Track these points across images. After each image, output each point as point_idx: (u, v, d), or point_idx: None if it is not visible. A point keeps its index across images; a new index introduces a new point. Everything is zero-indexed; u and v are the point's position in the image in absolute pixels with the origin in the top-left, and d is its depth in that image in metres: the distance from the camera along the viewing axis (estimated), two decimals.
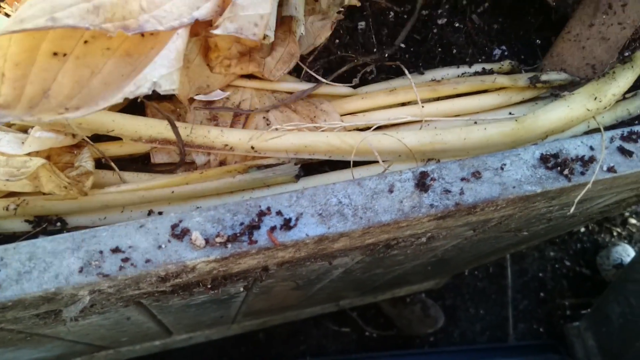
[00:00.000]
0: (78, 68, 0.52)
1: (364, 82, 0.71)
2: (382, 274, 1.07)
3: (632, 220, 2.19)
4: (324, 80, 0.67)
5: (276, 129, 0.62)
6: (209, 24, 0.56)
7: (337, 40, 0.72)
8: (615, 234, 2.16)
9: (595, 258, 2.08)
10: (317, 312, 1.64)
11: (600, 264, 2.04)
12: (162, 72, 0.53)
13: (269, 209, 0.54)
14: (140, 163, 0.64)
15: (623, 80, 0.64)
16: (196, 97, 0.63)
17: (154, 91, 0.54)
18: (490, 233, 0.78)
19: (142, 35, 0.57)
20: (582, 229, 2.13)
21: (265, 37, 0.64)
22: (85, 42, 0.53)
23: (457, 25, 0.74)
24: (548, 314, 1.93)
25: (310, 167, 0.66)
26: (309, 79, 0.70)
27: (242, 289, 0.74)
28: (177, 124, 0.60)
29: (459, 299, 1.90)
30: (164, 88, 0.54)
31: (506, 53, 0.75)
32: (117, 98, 0.48)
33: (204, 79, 0.64)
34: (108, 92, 0.52)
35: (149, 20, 0.53)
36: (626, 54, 0.67)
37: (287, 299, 1.12)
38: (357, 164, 0.65)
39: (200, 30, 0.60)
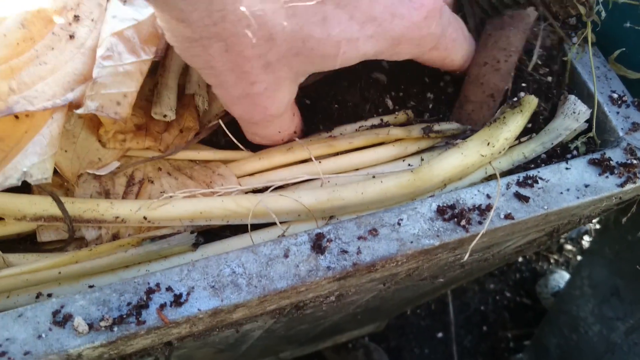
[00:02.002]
0: None
1: None
2: (309, 328, 1.05)
3: (568, 247, 2.23)
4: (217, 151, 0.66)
5: (169, 196, 0.60)
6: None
7: None
8: (552, 261, 2.20)
9: (535, 287, 2.10)
10: None
11: (539, 293, 2.07)
12: (33, 160, 0.51)
13: (158, 285, 0.52)
14: (28, 242, 0.61)
15: (513, 124, 0.65)
16: (88, 172, 0.61)
17: None
18: (405, 283, 0.78)
19: (17, 117, 0.55)
20: (520, 259, 2.15)
21: (164, 115, 0.63)
22: None
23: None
24: (492, 347, 1.93)
25: (212, 232, 0.64)
26: (212, 145, 0.69)
27: None
28: (64, 199, 0.58)
29: (403, 339, 1.89)
30: (35, 178, 0.52)
31: (399, 107, 0.75)
32: None
33: (94, 153, 0.62)
34: None
35: (18, 101, 0.51)
36: (514, 98, 0.69)
37: None
38: (259, 226, 0.63)
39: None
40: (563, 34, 0.73)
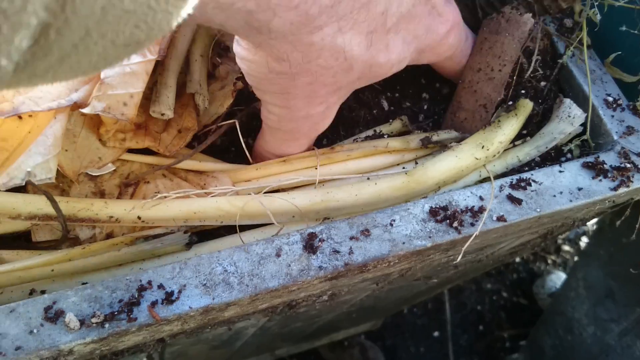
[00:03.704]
0: None
1: None
2: (304, 326, 1.05)
3: (566, 247, 2.24)
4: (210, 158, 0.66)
5: (164, 197, 0.60)
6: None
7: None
8: (550, 261, 2.20)
9: (532, 287, 2.10)
10: None
11: (536, 293, 2.07)
12: (37, 160, 0.52)
13: (150, 282, 0.52)
14: (23, 240, 0.62)
15: (508, 128, 0.65)
16: (87, 172, 0.62)
17: None
18: (399, 283, 0.78)
19: (20, 118, 0.55)
20: (517, 259, 2.16)
21: (162, 114, 0.63)
22: None
23: None
24: (488, 347, 1.93)
25: (207, 232, 0.64)
26: (206, 150, 0.69)
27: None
28: (58, 198, 0.58)
29: (399, 338, 1.89)
30: (39, 178, 0.53)
31: (394, 108, 0.75)
32: None
33: (94, 152, 0.62)
34: None
35: (24, 102, 0.52)
36: (510, 102, 0.69)
37: (211, 357, 1.10)
38: (252, 227, 0.63)
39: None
40: (554, 34, 0.73)
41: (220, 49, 0.72)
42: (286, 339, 1.28)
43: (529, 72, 0.69)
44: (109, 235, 0.61)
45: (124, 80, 0.55)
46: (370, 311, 1.25)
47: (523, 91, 0.70)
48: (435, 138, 0.68)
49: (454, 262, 0.70)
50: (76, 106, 0.53)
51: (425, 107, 0.75)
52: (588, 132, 0.69)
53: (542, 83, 0.72)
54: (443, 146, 0.69)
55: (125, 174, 0.64)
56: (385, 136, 0.70)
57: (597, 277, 1.19)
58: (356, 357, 1.71)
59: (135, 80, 0.56)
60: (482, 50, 0.69)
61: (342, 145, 0.69)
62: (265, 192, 0.63)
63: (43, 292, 0.58)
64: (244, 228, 0.63)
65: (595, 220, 1.50)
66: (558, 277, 2.09)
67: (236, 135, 0.71)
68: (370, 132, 0.71)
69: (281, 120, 0.61)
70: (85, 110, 0.53)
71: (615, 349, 1.15)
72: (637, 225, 0.74)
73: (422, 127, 0.74)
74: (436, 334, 1.92)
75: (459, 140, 0.69)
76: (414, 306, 1.93)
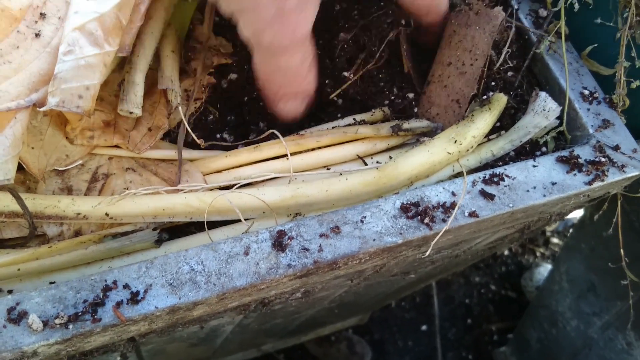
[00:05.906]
0: None
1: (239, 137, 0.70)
2: (285, 323, 1.05)
3: (554, 240, 2.24)
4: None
5: (134, 193, 0.60)
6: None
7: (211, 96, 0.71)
8: (538, 254, 2.20)
9: (520, 280, 2.10)
10: (239, 359, 1.60)
11: (524, 286, 2.07)
12: None
13: (115, 282, 0.52)
14: None
15: (481, 122, 0.65)
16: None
17: None
18: (376, 279, 0.78)
19: None
20: (506, 252, 2.16)
21: (131, 113, 0.62)
22: None
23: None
24: (476, 341, 1.94)
25: (178, 229, 0.64)
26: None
27: (119, 359, 0.71)
28: (24, 195, 0.57)
29: (386, 332, 1.89)
30: None
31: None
32: None
33: (61, 150, 0.61)
34: None
35: None
36: (484, 97, 0.68)
37: (192, 354, 1.09)
38: (223, 223, 0.63)
39: None
40: (528, 27, 0.73)
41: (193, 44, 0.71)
42: (270, 335, 1.28)
43: (497, 64, 0.69)
44: (78, 232, 0.60)
45: (79, 73, 0.54)
46: (353, 306, 1.25)
47: (493, 83, 0.70)
48: (406, 126, 0.67)
49: (427, 258, 0.70)
50: (36, 107, 0.52)
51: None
52: (564, 124, 0.69)
53: (510, 73, 0.72)
54: (416, 135, 0.68)
55: (94, 169, 0.63)
56: (357, 126, 0.69)
57: (579, 271, 1.19)
58: (343, 352, 1.71)
59: (90, 72, 0.55)
60: (451, 44, 0.68)
61: (312, 132, 0.68)
62: (237, 187, 0.62)
63: (10, 291, 0.57)
64: (216, 224, 0.62)
65: (578, 213, 1.50)
66: (546, 270, 2.09)
67: (207, 131, 0.70)
68: (350, 120, 0.70)
69: (256, 29, 0.57)
70: (42, 109, 0.52)
71: (598, 342, 1.15)
72: (614, 220, 0.74)
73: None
74: (424, 327, 1.92)
75: (431, 129, 0.68)
76: (402, 300, 1.93)
